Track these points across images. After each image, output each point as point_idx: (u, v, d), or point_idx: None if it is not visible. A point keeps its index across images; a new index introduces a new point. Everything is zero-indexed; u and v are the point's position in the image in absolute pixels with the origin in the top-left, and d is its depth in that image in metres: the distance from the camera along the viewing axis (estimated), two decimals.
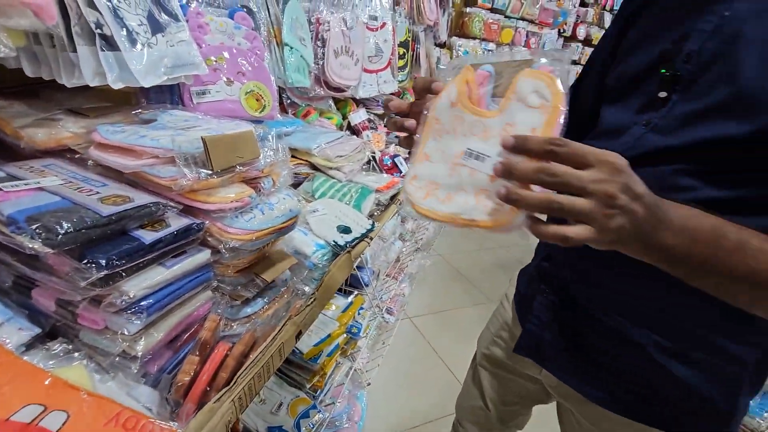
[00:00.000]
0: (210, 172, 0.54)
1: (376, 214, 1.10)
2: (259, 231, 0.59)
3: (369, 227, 0.91)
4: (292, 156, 1.11)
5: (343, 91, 1.40)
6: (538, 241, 0.57)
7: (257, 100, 0.85)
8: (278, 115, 0.92)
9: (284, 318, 0.61)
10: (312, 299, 0.63)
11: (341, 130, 1.47)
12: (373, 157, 1.28)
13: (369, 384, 1.72)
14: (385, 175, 1.28)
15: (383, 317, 2.03)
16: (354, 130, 1.46)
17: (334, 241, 0.82)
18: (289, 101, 1.30)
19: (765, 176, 0.47)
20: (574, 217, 0.39)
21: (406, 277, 2.33)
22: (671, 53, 0.54)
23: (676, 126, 0.52)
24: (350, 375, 1.41)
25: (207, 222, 0.55)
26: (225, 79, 0.81)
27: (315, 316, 0.65)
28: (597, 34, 4.26)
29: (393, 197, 1.20)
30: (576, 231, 0.39)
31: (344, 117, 1.56)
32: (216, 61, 0.80)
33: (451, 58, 3.28)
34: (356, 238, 0.86)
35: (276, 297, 0.69)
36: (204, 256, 0.55)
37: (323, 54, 1.25)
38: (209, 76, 0.79)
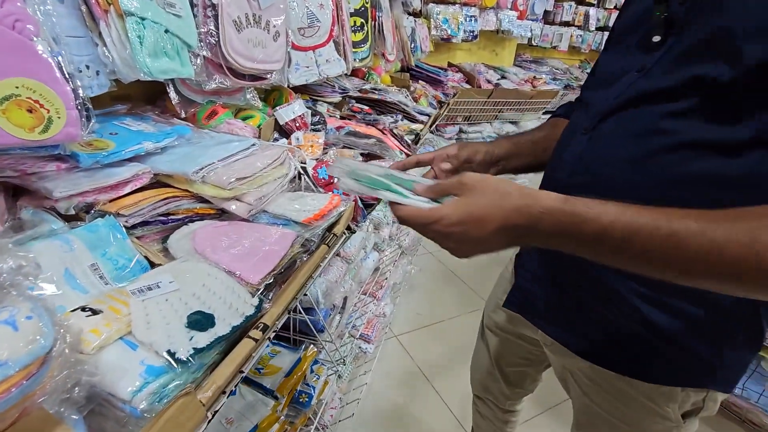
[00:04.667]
0: None
1: (298, 261, 0.74)
2: None
3: (252, 311, 0.54)
4: (168, 186, 0.74)
5: (262, 78, 1.02)
6: None
7: (30, 111, 0.48)
8: (81, 133, 0.54)
9: None
10: None
11: None
12: (304, 169, 0.91)
13: None
14: (321, 193, 0.91)
15: (360, 348, 1.70)
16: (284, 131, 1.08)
17: (168, 351, 0.45)
18: (179, 99, 0.92)
19: (748, 117, 0.47)
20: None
21: (388, 292, 1.98)
22: None
23: (668, 69, 0.55)
24: None
25: None
26: None
27: None
28: None
29: (331, 228, 0.83)
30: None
31: None
32: None
33: (429, 28, 2.81)
34: (220, 338, 0.49)
35: None
36: None
37: (216, 27, 0.86)
38: None
